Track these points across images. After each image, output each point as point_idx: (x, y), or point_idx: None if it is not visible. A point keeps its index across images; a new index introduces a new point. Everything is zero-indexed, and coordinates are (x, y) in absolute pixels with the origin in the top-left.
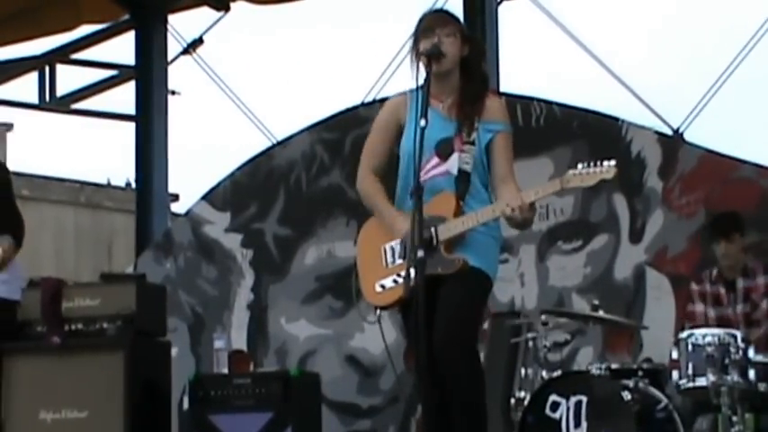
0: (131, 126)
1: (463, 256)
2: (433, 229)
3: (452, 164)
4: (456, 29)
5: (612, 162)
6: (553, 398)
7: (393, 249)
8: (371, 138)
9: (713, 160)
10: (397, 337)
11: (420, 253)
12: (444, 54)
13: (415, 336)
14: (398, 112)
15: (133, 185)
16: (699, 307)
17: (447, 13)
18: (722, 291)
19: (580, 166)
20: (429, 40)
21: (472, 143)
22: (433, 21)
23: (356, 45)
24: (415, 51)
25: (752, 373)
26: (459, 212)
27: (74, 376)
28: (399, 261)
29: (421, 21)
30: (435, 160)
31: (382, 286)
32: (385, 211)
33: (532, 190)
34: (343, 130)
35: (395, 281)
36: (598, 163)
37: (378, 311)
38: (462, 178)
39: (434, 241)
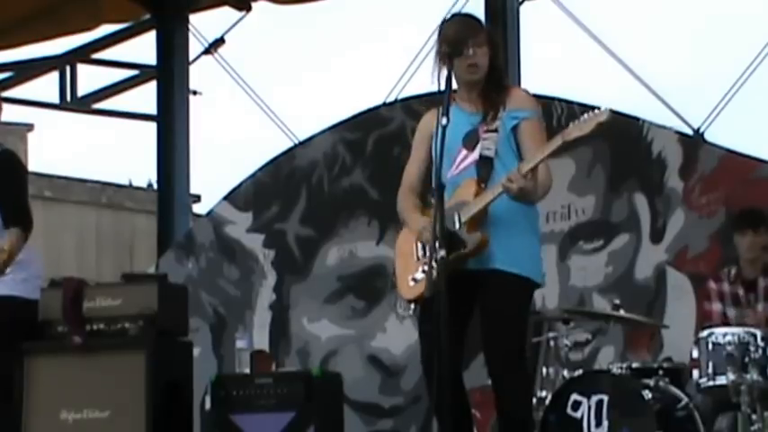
0: (153, 126)
1: (492, 249)
2: (456, 215)
3: (477, 152)
4: (485, 36)
5: (605, 107)
6: (574, 397)
7: (425, 245)
8: (411, 156)
9: (734, 160)
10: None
11: (442, 252)
12: (477, 65)
13: (430, 336)
14: (429, 127)
15: (155, 186)
16: (716, 306)
17: (474, 18)
18: (741, 291)
19: (575, 120)
20: (463, 52)
21: (495, 130)
22: (465, 31)
23: (378, 45)
24: (440, 55)
25: None
26: (480, 194)
27: (95, 376)
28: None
29: (447, 27)
30: (463, 153)
31: (414, 279)
32: (412, 221)
33: (532, 156)
34: (365, 130)
35: (420, 275)
36: (594, 110)
37: (412, 306)
38: (484, 163)
39: (458, 225)
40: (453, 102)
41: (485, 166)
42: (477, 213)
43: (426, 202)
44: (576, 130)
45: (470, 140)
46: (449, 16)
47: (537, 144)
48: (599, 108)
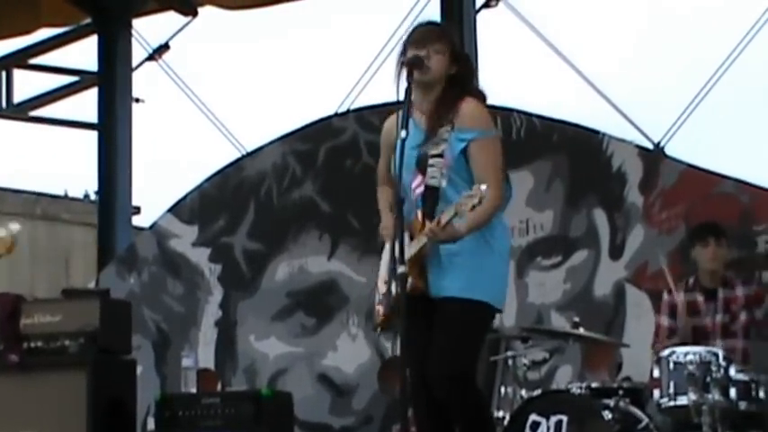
0: (92, 135)
1: (449, 277)
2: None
3: (425, 182)
4: (447, 47)
5: (482, 188)
6: (533, 417)
7: (386, 271)
8: (381, 154)
9: (694, 175)
10: (372, 356)
11: (401, 269)
12: (429, 67)
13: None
14: (390, 136)
15: (92, 197)
16: (663, 320)
17: (441, 28)
18: (699, 298)
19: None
20: (416, 51)
21: (440, 155)
22: (426, 34)
23: (330, 54)
24: (401, 61)
25: (733, 392)
26: (422, 230)
27: (33, 396)
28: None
29: (412, 32)
30: (419, 178)
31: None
32: (382, 216)
33: (436, 220)
34: (316, 142)
35: (381, 300)
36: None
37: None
38: (429, 194)
39: (402, 262)
40: (412, 114)
41: (430, 198)
42: (417, 253)
43: None
44: (461, 206)
45: (422, 165)
46: (420, 23)
47: (482, 166)
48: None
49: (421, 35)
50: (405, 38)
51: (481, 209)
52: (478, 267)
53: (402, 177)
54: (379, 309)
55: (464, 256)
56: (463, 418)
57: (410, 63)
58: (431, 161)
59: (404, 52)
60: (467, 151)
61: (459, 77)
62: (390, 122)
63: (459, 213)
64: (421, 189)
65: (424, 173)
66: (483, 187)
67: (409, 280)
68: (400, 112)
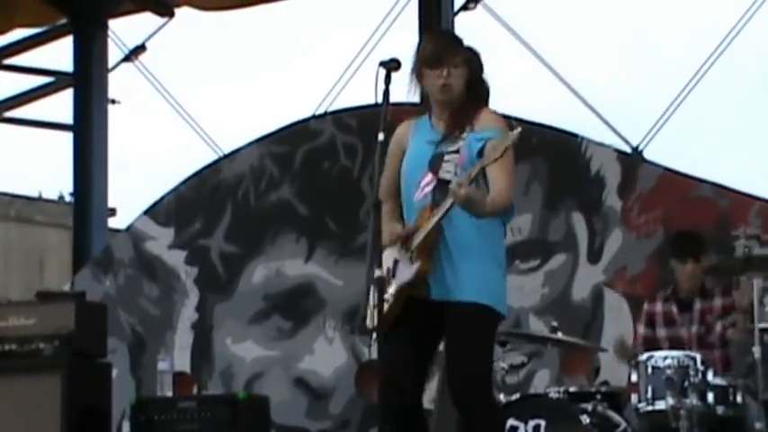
0: (67, 136)
1: (455, 280)
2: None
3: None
4: (462, 56)
5: (516, 130)
6: (511, 422)
7: (387, 272)
8: (386, 166)
9: (672, 179)
10: (348, 360)
11: (378, 272)
12: (451, 87)
13: (391, 362)
14: (402, 141)
15: (66, 198)
16: (641, 329)
17: (453, 37)
18: (674, 309)
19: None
20: (437, 74)
21: (456, 152)
22: (442, 50)
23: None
24: (415, 74)
25: (711, 397)
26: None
27: (8, 400)
28: (390, 285)
29: (424, 44)
30: (429, 177)
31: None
32: (385, 229)
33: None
34: (294, 144)
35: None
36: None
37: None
38: (441, 187)
39: (409, 252)
40: (428, 117)
41: (442, 191)
42: (425, 237)
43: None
44: (491, 155)
45: (436, 164)
46: (427, 33)
47: (500, 166)
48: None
49: (435, 53)
50: (418, 50)
51: (500, 200)
52: (485, 274)
53: (411, 174)
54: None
55: (471, 262)
56: (480, 422)
57: (387, 66)
58: (446, 157)
59: (418, 66)
60: (482, 151)
61: (472, 78)
62: (402, 130)
63: (486, 159)
64: (431, 186)
65: (435, 172)
66: (516, 131)
67: (415, 267)
68: (413, 120)
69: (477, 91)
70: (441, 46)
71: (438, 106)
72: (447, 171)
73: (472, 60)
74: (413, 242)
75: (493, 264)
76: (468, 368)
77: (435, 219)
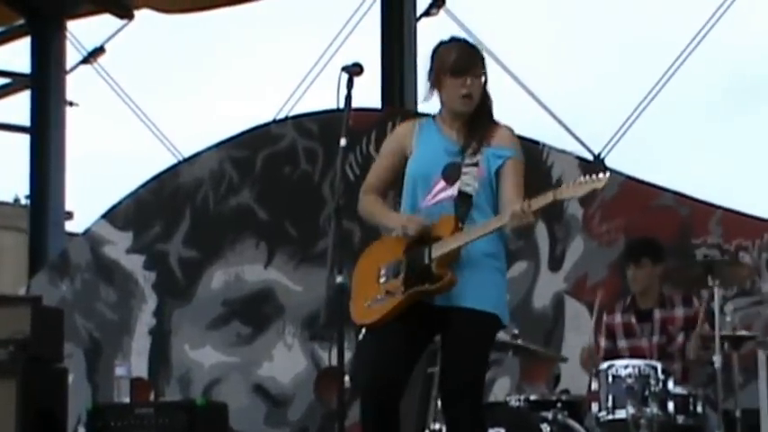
0: (24, 138)
1: (461, 288)
2: (426, 248)
3: (457, 188)
4: (483, 68)
5: (605, 174)
6: None
7: (389, 268)
8: (376, 163)
9: (634, 187)
10: (308, 367)
11: (339, 278)
12: (471, 97)
13: (376, 362)
14: (404, 140)
15: (22, 201)
16: (601, 341)
17: (474, 47)
18: (633, 320)
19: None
20: (460, 83)
21: (475, 165)
22: (468, 60)
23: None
24: (432, 81)
25: (671, 406)
26: (456, 232)
27: None
28: (392, 280)
29: (446, 52)
30: (442, 184)
31: (372, 303)
32: (387, 218)
33: (526, 201)
34: (254, 149)
35: (379, 299)
36: (592, 176)
37: (363, 330)
38: (463, 200)
39: (427, 259)
40: (432, 121)
41: (464, 204)
42: (451, 252)
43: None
44: (570, 191)
45: (451, 174)
46: (447, 39)
47: (516, 185)
48: (601, 174)
49: (461, 62)
50: (433, 55)
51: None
52: (493, 282)
53: (420, 178)
54: (365, 308)
55: (481, 271)
56: (465, 428)
57: (349, 70)
58: (465, 170)
59: (434, 71)
60: (500, 170)
61: (487, 95)
62: (404, 130)
63: (563, 194)
64: (447, 194)
65: (449, 180)
66: (606, 176)
67: (445, 279)
68: (418, 120)
69: (489, 102)
70: (466, 55)
71: (450, 114)
72: (467, 184)
73: (486, 72)
74: (433, 249)
75: (498, 274)
76: (466, 374)
77: (473, 237)
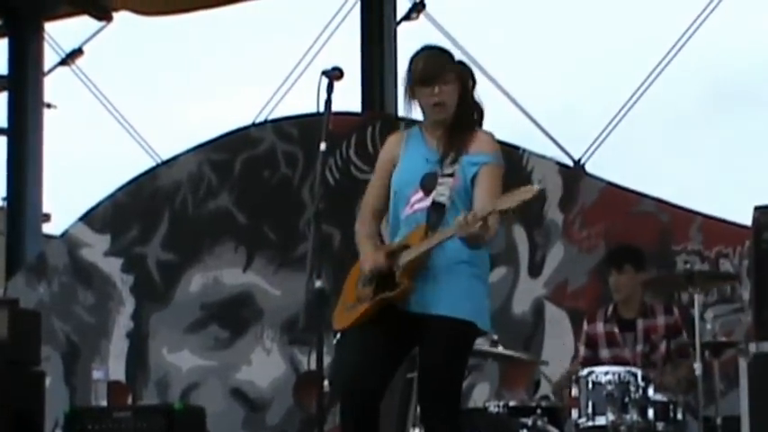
0: (1, 140)
1: (436, 295)
2: (398, 258)
3: (431, 197)
4: (454, 74)
5: (537, 186)
6: None
7: (365, 276)
8: (372, 179)
9: (614, 193)
10: (286, 371)
11: (318, 283)
12: (444, 104)
13: (352, 364)
14: (393, 152)
15: (1, 203)
16: (582, 350)
17: (445, 53)
18: (616, 330)
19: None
20: (429, 92)
21: (450, 175)
22: (433, 68)
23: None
24: (408, 91)
25: (651, 413)
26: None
27: None
28: (366, 287)
29: (417, 61)
30: (420, 194)
31: (345, 310)
32: (361, 248)
33: (471, 212)
34: (233, 152)
35: (352, 305)
36: (523, 186)
37: (338, 335)
38: (435, 210)
39: (394, 267)
40: (419, 130)
41: (436, 213)
42: (415, 258)
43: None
44: (506, 202)
45: (428, 184)
46: (419, 49)
47: (487, 191)
48: (531, 185)
49: (426, 71)
50: (410, 67)
51: (493, 231)
52: (468, 289)
53: (402, 188)
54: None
55: (458, 278)
56: None
57: (329, 75)
58: (440, 180)
59: (408, 82)
60: (475, 176)
61: (464, 94)
62: (393, 143)
63: (499, 206)
64: (423, 204)
65: (426, 190)
66: (537, 187)
67: (401, 286)
68: (407, 130)
69: (469, 109)
70: (433, 63)
71: (431, 123)
72: (441, 194)
73: (464, 77)
74: (400, 258)
75: (475, 280)
76: (440, 382)
77: (432, 244)
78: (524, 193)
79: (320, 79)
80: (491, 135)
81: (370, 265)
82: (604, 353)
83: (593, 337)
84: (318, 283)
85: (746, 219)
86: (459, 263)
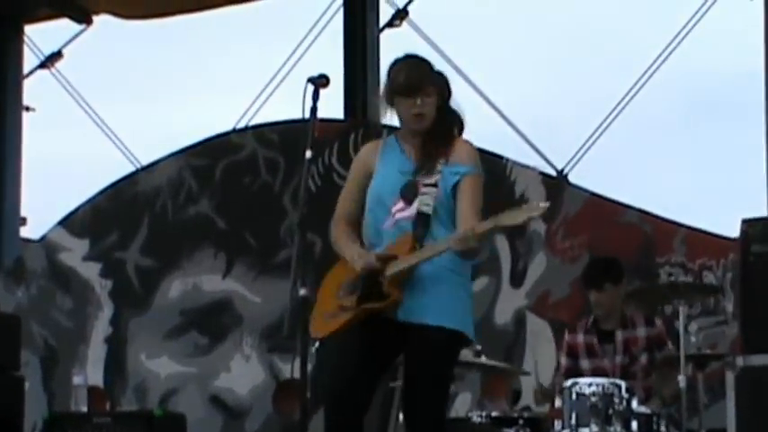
0: None
1: (423, 304)
2: (383, 266)
3: (415, 208)
4: (435, 86)
5: (544, 203)
6: None
7: (347, 285)
8: (346, 186)
9: (597, 204)
10: (266, 378)
11: (302, 291)
12: (424, 116)
13: (338, 371)
14: (368, 159)
15: None
16: (563, 360)
17: (425, 63)
18: (595, 341)
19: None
20: (410, 103)
21: (434, 185)
22: (416, 80)
23: (229, 68)
24: (388, 100)
25: (635, 425)
26: (412, 252)
27: None
28: (348, 296)
29: (397, 71)
30: (401, 204)
31: (327, 318)
32: (346, 249)
33: (471, 227)
34: (214, 157)
35: (333, 314)
36: (532, 203)
37: (316, 344)
38: (421, 220)
39: (380, 277)
40: (395, 139)
41: (422, 224)
42: (403, 271)
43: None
44: (509, 219)
45: (408, 193)
46: (400, 57)
47: (470, 202)
48: (539, 201)
49: (408, 82)
50: (390, 75)
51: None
52: (455, 298)
53: (380, 199)
54: (322, 322)
55: (444, 287)
56: None
57: (315, 82)
58: (423, 189)
59: (388, 91)
60: (456, 187)
61: (446, 110)
62: (367, 152)
63: (504, 222)
64: (405, 214)
65: (407, 200)
66: (545, 205)
67: (390, 298)
68: (382, 139)
69: (447, 118)
70: (414, 75)
71: (409, 132)
72: (426, 204)
73: (442, 87)
74: (388, 268)
75: (460, 290)
76: (426, 391)
77: (424, 257)
78: (531, 210)
79: (306, 86)
80: (470, 144)
81: (363, 263)
82: (585, 363)
83: (573, 347)
84: (302, 291)
85: (730, 231)
86: (446, 271)
